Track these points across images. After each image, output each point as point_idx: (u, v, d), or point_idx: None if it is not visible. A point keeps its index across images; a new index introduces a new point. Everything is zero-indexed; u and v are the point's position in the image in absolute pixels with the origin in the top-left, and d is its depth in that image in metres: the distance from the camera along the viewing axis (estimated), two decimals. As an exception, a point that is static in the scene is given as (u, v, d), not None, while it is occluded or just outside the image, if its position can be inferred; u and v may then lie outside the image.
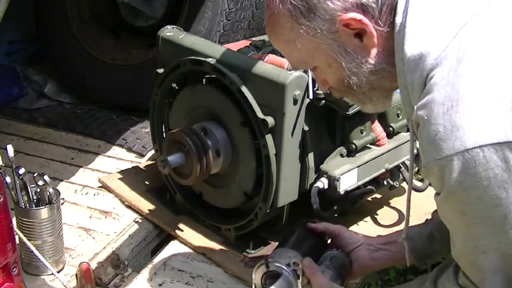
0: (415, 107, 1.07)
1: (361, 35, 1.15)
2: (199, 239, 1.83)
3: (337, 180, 1.70)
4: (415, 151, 1.30)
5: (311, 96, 1.64)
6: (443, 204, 1.10)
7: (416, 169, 2.11)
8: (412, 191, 1.72)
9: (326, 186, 1.70)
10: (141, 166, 2.21)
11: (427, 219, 1.57)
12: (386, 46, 1.15)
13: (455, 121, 0.99)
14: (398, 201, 2.01)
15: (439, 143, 1.01)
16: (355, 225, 1.84)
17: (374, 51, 1.16)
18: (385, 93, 1.25)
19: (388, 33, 1.14)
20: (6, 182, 1.59)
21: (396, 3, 1.12)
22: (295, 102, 1.59)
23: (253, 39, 2.01)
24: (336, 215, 1.79)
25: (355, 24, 1.13)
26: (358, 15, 1.12)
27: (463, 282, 1.20)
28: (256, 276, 1.47)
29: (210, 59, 1.70)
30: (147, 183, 2.08)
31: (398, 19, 1.11)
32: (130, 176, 2.13)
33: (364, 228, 1.79)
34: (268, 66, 1.66)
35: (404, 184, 1.95)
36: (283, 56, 1.77)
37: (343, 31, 1.14)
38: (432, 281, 1.32)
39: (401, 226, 1.65)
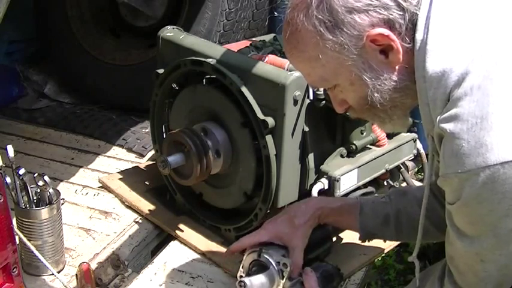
0: (438, 120, 1.07)
1: (386, 51, 1.14)
2: (199, 240, 1.83)
3: (337, 181, 1.70)
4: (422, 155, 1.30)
5: (311, 97, 1.64)
6: (454, 212, 1.12)
7: (416, 169, 2.12)
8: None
9: (326, 187, 1.71)
10: (141, 166, 2.21)
11: (383, 196, 1.60)
12: (410, 63, 1.14)
13: (479, 138, 1.01)
14: (398, 202, 2.01)
15: (461, 158, 1.03)
16: (355, 225, 1.84)
17: (398, 67, 1.15)
18: (405, 111, 1.24)
19: (412, 49, 1.13)
20: (6, 182, 1.59)
21: (416, 20, 1.11)
22: (295, 102, 1.59)
23: (254, 39, 2.01)
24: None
25: (382, 40, 1.12)
26: (385, 31, 1.12)
27: None
28: (247, 259, 1.55)
29: (210, 60, 1.70)
30: (147, 183, 2.08)
31: (419, 36, 1.11)
32: (130, 176, 2.13)
33: (364, 228, 1.80)
34: (268, 66, 1.66)
35: (404, 185, 1.96)
36: (283, 57, 1.78)
37: (369, 47, 1.13)
38: None
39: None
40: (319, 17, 1.13)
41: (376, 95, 1.17)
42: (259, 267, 1.52)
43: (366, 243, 1.71)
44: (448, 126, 1.05)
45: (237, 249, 1.62)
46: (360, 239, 1.64)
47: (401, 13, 1.12)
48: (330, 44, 1.14)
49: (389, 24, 1.12)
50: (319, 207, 1.60)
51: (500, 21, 1.09)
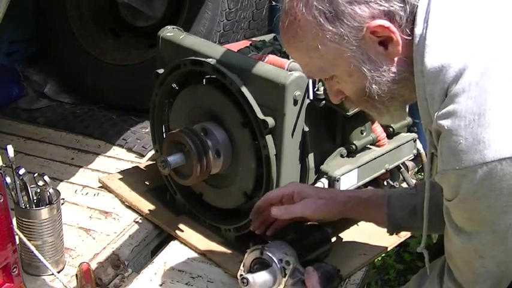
0: (435, 116, 1.07)
1: (385, 43, 1.14)
2: (199, 240, 1.83)
3: (337, 181, 1.70)
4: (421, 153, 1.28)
5: (311, 97, 1.64)
6: (452, 209, 1.13)
7: (416, 169, 2.12)
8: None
9: (326, 187, 1.71)
10: (141, 166, 2.21)
11: (411, 188, 1.59)
12: (410, 55, 1.13)
13: (476, 135, 1.01)
14: (398, 202, 2.01)
15: (459, 154, 1.03)
16: (356, 225, 1.84)
17: (397, 59, 1.15)
18: (403, 103, 1.24)
19: (411, 42, 1.13)
20: (6, 182, 1.59)
21: (415, 14, 1.12)
22: (295, 102, 1.59)
23: (254, 39, 2.01)
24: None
25: (382, 32, 1.12)
26: (386, 23, 1.12)
27: (448, 287, 1.23)
28: (248, 257, 1.54)
29: (210, 60, 1.70)
30: (147, 183, 2.08)
31: (418, 30, 1.11)
32: (130, 176, 2.13)
33: (365, 228, 1.79)
34: (268, 66, 1.66)
35: (404, 185, 1.96)
36: (283, 57, 1.78)
37: (369, 38, 1.13)
38: (415, 287, 1.34)
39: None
40: (319, 7, 1.13)
41: (374, 86, 1.17)
42: (261, 265, 1.51)
43: (366, 243, 1.71)
44: (446, 123, 1.05)
45: (263, 205, 1.60)
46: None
47: (401, 5, 1.12)
48: (329, 35, 1.14)
49: (389, 16, 1.12)
50: (349, 195, 1.60)
51: (499, 18, 1.09)
